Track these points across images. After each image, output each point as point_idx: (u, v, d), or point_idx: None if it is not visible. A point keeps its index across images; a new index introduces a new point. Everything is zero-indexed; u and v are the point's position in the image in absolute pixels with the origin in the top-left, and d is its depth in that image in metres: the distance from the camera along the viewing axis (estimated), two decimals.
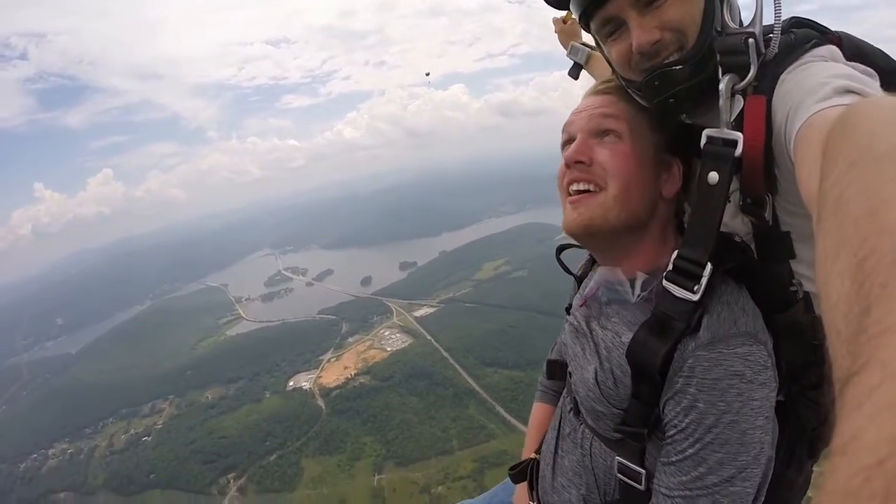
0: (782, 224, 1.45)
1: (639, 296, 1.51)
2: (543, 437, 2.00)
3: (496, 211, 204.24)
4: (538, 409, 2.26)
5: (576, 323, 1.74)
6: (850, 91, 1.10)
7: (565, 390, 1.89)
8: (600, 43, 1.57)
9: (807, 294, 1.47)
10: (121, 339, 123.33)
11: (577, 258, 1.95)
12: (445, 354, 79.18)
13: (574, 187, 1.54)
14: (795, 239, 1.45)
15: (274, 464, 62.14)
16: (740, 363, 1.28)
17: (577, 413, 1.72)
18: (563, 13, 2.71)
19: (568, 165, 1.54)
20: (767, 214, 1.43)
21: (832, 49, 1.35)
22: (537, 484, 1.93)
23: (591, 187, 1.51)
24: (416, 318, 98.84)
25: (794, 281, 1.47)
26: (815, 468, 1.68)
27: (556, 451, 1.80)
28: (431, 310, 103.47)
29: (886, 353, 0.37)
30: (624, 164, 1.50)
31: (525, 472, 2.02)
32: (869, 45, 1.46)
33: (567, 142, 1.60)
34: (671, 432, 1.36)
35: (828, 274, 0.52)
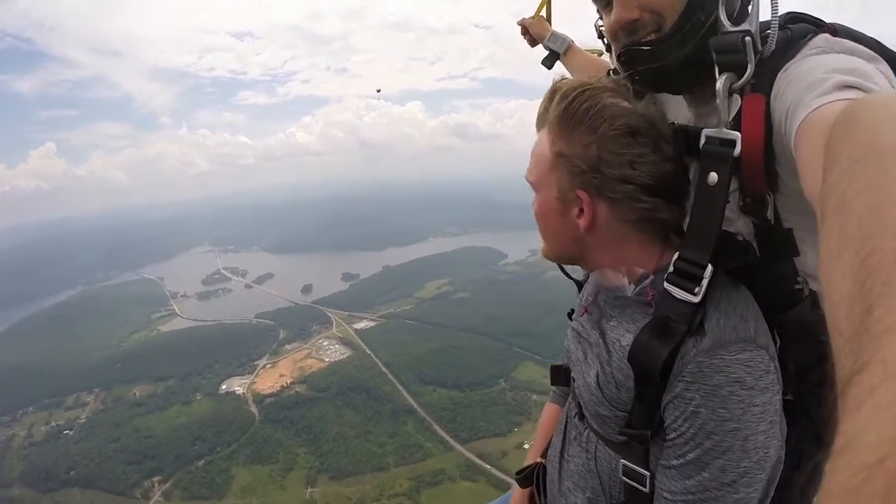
0: (784, 222, 1.45)
1: (635, 290, 1.52)
2: (549, 442, 2.07)
3: (442, 231, 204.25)
4: (549, 410, 2.37)
5: (578, 328, 1.79)
6: (849, 86, 1.09)
7: (570, 395, 1.94)
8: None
9: (812, 292, 1.46)
10: (47, 324, 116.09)
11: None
12: (384, 369, 78.39)
13: None
14: (798, 236, 1.45)
15: (202, 469, 59.57)
16: (741, 369, 1.28)
17: (582, 417, 1.75)
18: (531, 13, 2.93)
19: None
20: (769, 213, 1.43)
21: (827, 38, 1.34)
22: (544, 488, 2.01)
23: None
24: (355, 331, 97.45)
25: (798, 279, 1.47)
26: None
27: (562, 455, 1.85)
28: (372, 323, 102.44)
29: (888, 352, 0.37)
30: (539, 219, 1.64)
31: (531, 477, 2.10)
32: (863, 34, 1.41)
33: None
34: (671, 436, 1.37)
35: (831, 272, 0.52)
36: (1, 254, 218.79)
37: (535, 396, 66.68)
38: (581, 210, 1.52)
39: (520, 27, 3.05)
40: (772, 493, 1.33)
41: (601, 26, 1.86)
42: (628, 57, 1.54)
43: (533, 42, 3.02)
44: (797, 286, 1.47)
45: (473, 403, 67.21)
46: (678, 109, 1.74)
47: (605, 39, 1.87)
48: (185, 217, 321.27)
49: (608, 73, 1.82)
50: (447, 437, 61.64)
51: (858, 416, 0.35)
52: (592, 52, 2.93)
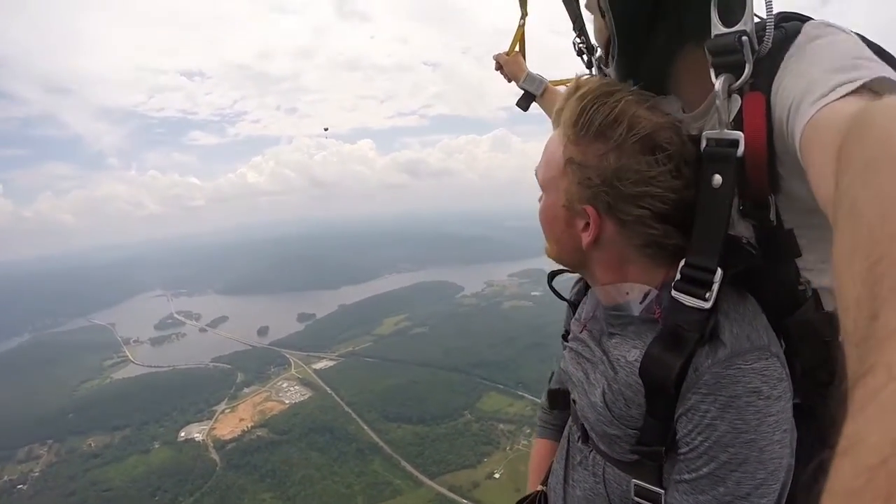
0: (785, 222, 1.44)
1: (642, 308, 1.50)
2: (549, 469, 2.03)
3: (396, 267, 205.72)
4: (539, 446, 2.31)
5: (577, 347, 1.76)
6: (847, 82, 1.07)
7: (570, 419, 1.90)
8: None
9: (815, 292, 1.45)
10: None
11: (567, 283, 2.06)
12: (347, 409, 77.56)
13: None
14: (799, 233, 1.44)
15: None
16: (758, 379, 1.25)
17: (586, 440, 1.71)
18: (505, 49, 2.92)
19: None
20: (771, 215, 1.42)
21: (815, 23, 1.34)
22: None
23: None
24: (315, 371, 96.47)
25: (801, 280, 1.46)
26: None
27: (565, 482, 1.81)
28: (331, 363, 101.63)
29: (892, 356, 0.38)
30: (542, 220, 1.61)
31: None
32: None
33: None
34: (684, 449, 1.33)
35: (842, 277, 0.53)
36: None
37: (501, 426, 66.90)
38: (587, 224, 1.49)
39: (494, 62, 3.02)
40: (784, 501, 1.29)
41: (580, 43, 2.01)
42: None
43: (509, 78, 2.99)
44: (800, 287, 1.45)
45: (440, 437, 66.92)
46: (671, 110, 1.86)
47: (584, 57, 2.01)
48: (135, 260, 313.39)
49: None
50: (416, 473, 61.14)
51: (862, 418, 0.36)
52: (563, 82, 2.86)
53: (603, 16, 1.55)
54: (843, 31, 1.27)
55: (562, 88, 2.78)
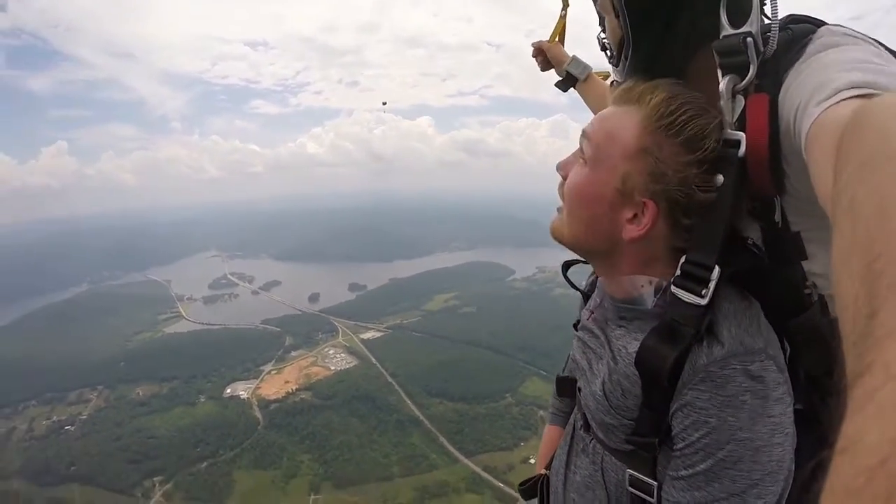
0: (792, 225, 1.42)
1: (655, 302, 1.48)
2: (553, 454, 2.03)
3: (448, 246, 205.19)
4: (550, 432, 2.34)
5: (583, 336, 1.76)
6: (857, 85, 1.05)
7: (576, 406, 1.89)
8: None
9: (822, 296, 1.44)
10: (52, 320, 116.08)
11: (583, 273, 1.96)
12: (391, 380, 78.05)
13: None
14: (806, 237, 1.42)
15: (204, 472, 58.94)
16: (752, 380, 1.26)
17: (588, 428, 1.72)
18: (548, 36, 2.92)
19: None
20: (776, 216, 1.41)
21: (831, 29, 1.32)
22: (548, 500, 1.98)
23: (560, 203, 1.59)
24: (362, 341, 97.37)
25: (807, 283, 1.44)
26: None
27: (567, 467, 1.82)
28: (378, 334, 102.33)
29: (890, 355, 0.38)
30: (574, 193, 1.51)
31: (535, 489, 2.09)
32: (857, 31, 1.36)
33: None
34: (679, 445, 1.33)
35: (840, 276, 0.52)
36: (8, 249, 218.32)
37: (541, 412, 65.98)
38: (635, 216, 1.45)
39: (533, 48, 2.98)
40: None
41: (604, 38, 1.80)
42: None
43: (546, 65, 2.96)
44: (806, 291, 1.44)
45: (480, 417, 66.69)
46: None
47: (608, 52, 1.80)
48: (193, 221, 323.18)
49: (610, 84, 1.84)
50: (453, 450, 61.09)
51: (860, 418, 0.36)
52: (602, 75, 2.86)
53: (617, 16, 1.54)
54: (860, 38, 1.27)
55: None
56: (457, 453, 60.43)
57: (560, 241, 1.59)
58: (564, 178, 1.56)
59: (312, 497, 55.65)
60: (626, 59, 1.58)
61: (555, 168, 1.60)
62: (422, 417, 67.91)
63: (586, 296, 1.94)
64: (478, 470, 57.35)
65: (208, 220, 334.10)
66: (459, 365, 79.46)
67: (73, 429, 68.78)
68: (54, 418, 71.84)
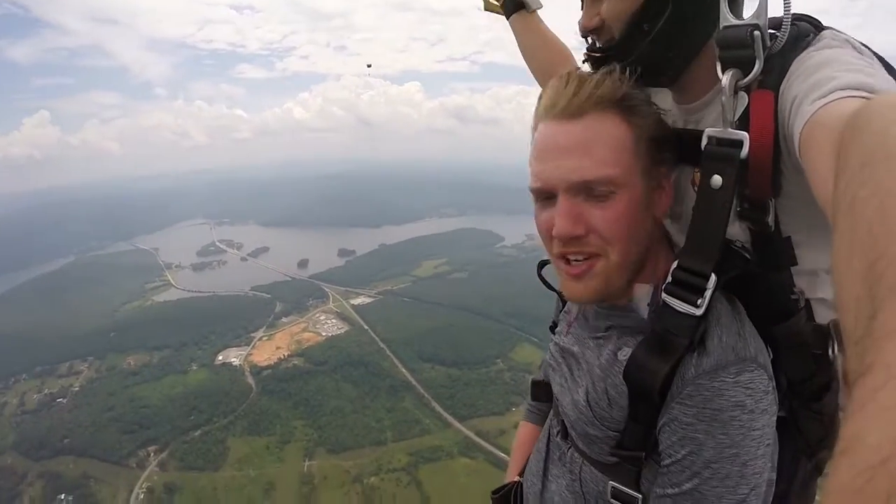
0: (783, 226, 1.38)
1: (648, 312, 1.42)
2: (527, 460, 1.95)
3: (438, 212, 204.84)
4: (523, 429, 2.24)
5: (563, 343, 1.69)
6: (856, 86, 1.03)
7: (552, 412, 1.85)
8: None
9: (808, 302, 1.41)
10: (40, 292, 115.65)
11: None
12: (382, 345, 78.56)
13: (571, 258, 1.41)
14: (796, 240, 1.39)
15: (199, 440, 59.13)
16: (742, 392, 1.21)
17: (566, 436, 1.66)
18: None
19: (561, 240, 1.38)
20: (770, 219, 1.34)
21: (834, 33, 1.28)
22: None
23: (590, 256, 1.39)
24: (352, 306, 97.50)
25: (794, 289, 1.41)
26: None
27: (544, 475, 1.75)
28: (369, 300, 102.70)
29: (891, 356, 0.38)
30: (622, 225, 1.35)
31: (508, 497, 1.99)
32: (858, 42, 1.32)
33: (543, 193, 1.42)
34: (666, 461, 1.29)
35: (841, 277, 0.52)
36: None
37: (532, 377, 66.63)
38: (660, 193, 1.45)
39: None
40: None
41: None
42: (590, 61, 1.57)
43: None
44: (793, 297, 1.40)
45: (472, 382, 67.18)
46: (662, 100, 1.65)
47: (590, 38, 1.65)
48: (179, 189, 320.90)
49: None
50: (445, 414, 61.67)
51: (861, 418, 0.36)
52: None
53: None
54: (859, 47, 1.24)
55: None
56: (449, 418, 61.01)
57: (610, 292, 1.42)
58: (580, 237, 1.36)
59: (307, 462, 56.05)
60: (617, 40, 1.49)
61: (562, 240, 1.37)
62: (414, 382, 68.43)
63: (564, 298, 1.80)
64: (470, 434, 57.95)
65: (194, 187, 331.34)
66: (451, 330, 79.90)
67: (65, 401, 68.59)
68: (46, 391, 71.61)
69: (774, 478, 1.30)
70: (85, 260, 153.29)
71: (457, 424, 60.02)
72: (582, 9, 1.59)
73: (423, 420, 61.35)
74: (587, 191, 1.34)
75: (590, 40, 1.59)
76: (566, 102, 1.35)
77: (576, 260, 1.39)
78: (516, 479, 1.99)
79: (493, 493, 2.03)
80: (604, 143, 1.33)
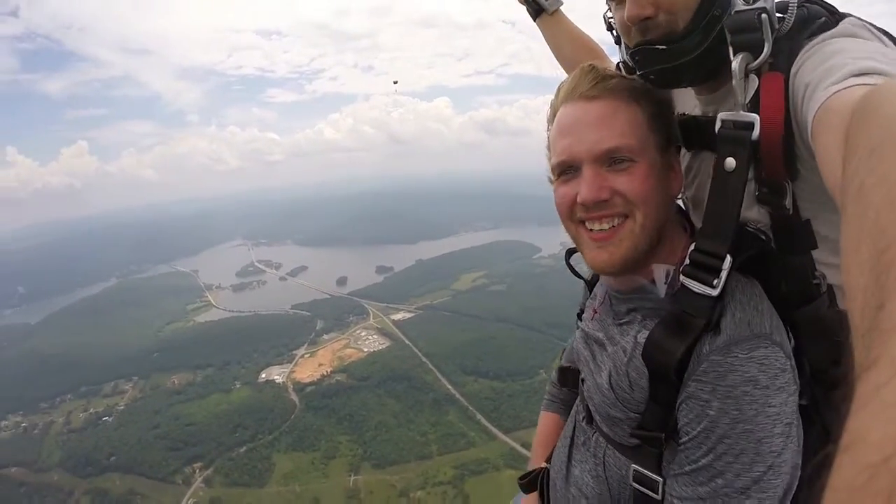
0: (802, 211, 1.37)
1: (667, 291, 1.45)
2: (554, 446, 2.00)
3: (473, 225, 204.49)
4: (544, 419, 2.29)
5: (587, 329, 1.74)
6: (870, 72, 1.02)
7: (578, 398, 1.88)
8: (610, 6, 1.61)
9: (830, 287, 1.39)
10: (84, 314, 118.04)
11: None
12: (424, 359, 77.81)
13: (596, 226, 1.46)
14: (816, 227, 1.37)
15: (244, 456, 59.36)
16: (755, 368, 1.22)
17: (591, 421, 1.70)
18: None
19: (587, 206, 1.44)
20: (787, 202, 1.35)
21: (854, 21, 1.27)
22: (548, 494, 1.95)
23: (616, 221, 1.44)
24: (393, 322, 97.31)
25: (816, 273, 1.39)
26: None
27: (569, 461, 1.79)
28: (409, 315, 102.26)
29: None
30: (645, 188, 1.41)
31: (535, 482, 2.03)
32: (876, 27, 1.31)
33: (565, 166, 1.49)
34: (683, 439, 1.31)
35: (849, 265, 0.51)
36: (35, 249, 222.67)
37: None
38: (673, 173, 1.52)
39: None
40: (788, 502, 1.25)
41: (611, 18, 1.67)
42: (643, 56, 1.47)
43: None
44: (814, 281, 1.39)
45: (515, 393, 66.05)
46: (685, 96, 1.70)
47: (615, 32, 1.66)
48: (216, 212, 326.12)
49: (617, 66, 1.71)
50: (490, 427, 60.66)
51: (864, 414, 0.36)
52: None
53: None
54: (878, 34, 1.24)
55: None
56: (494, 430, 60.03)
57: (637, 258, 1.45)
58: (605, 201, 1.43)
59: (352, 477, 55.70)
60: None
61: (588, 204, 1.43)
62: (457, 395, 67.52)
63: (590, 284, 1.91)
64: (516, 446, 56.68)
65: (231, 209, 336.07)
66: (492, 342, 78.94)
67: (110, 420, 69.61)
68: (91, 410, 72.87)
69: (800, 462, 1.26)
70: (126, 283, 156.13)
71: (502, 436, 59.00)
72: (618, 1, 1.49)
73: (467, 433, 60.45)
74: (610, 160, 1.41)
75: (635, 32, 1.46)
76: (587, 87, 1.45)
77: (601, 228, 1.44)
78: (543, 465, 2.02)
79: (520, 478, 2.08)
80: (621, 118, 1.42)
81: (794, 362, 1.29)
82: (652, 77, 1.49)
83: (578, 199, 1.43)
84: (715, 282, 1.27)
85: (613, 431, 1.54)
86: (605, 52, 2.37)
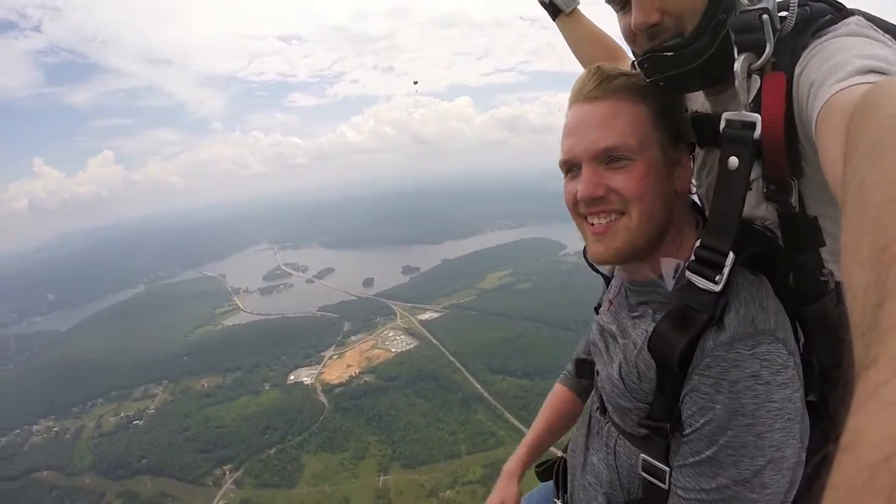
0: (809, 209, 1.38)
1: (674, 286, 1.49)
2: (559, 424, 2.20)
3: (498, 224, 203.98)
4: (555, 389, 2.43)
5: (602, 321, 1.78)
6: (873, 70, 1.03)
7: (594, 389, 1.92)
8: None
9: (838, 285, 1.39)
10: (114, 320, 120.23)
11: None
12: (452, 359, 77.44)
13: (595, 220, 1.52)
14: (823, 225, 1.38)
15: (273, 458, 59.69)
16: (758, 364, 1.25)
17: (604, 411, 1.74)
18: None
19: (585, 202, 1.50)
20: (793, 200, 1.36)
21: (860, 20, 1.26)
22: (564, 482, 2.03)
23: (612, 217, 1.49)
24: (420, 322, 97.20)
25: (824, 271, 1.40)
26: None
27: (586, 449, 1.83)
28: (436, 314, 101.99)
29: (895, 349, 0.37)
30: (641, 187, 1.45)
31: (551, 471, 2.14)
32: (885, 21, 1.31)
33: (569, 164, 1.56)
34: (687, 431, 1.35)
35: (850, 263, 0.51)
36: (65, 256, 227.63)
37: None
38: (681, 170, 1.54)
39: None
40: (791, 497, 1.28)
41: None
42: (651, 64, 1.47)
43: None
44: (822, 278, 1.40)
45: (544, 391, 62.28)
46: (695, 97, 1.72)
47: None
48: (242, 217, 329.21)
49: (632, 65, 1.66)
50: (519, 425, 59.61)
51: (864, 414, 0.35)
52: None
53: None
54: (888, 34, 1.23)
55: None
56: (523, 428, 58.70)
57: (632, 252, 1.50)
58: (600, 198, 1.48)
59: (382, 477, 55.57)
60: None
61: (584, 201, 1.50)
62: (486, 394, 67.08)
63: (608, 279, 1.93)
64: None
65: (256, 214, 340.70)
66: (520, 341, 78.42)
67: (141, 423, 70.60)
68: (122, 414, 74.09)
69: (804, 458, 1.29)
70: (155, 289, 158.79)
71: None
72: (622, 8, 1.50)
73: (497, 432, 59.98)
74: (607, 159, 1.46)
75: (642, 40, 1.48)
76: (591, 88, 1.50)
77: (599, 222, 1.50)
78: (559, 454, 2.14)
79: (537, 466, 2.18)
80: (622, 118, 1.46)
81: (798, 359, 1.31)
82: (662, 84, 1.48)
83: (577, 196, 1.49)
84: (717, 278, 1.30)
85: (623, 421, 1.58)
86: (625, 50, 2.17)
